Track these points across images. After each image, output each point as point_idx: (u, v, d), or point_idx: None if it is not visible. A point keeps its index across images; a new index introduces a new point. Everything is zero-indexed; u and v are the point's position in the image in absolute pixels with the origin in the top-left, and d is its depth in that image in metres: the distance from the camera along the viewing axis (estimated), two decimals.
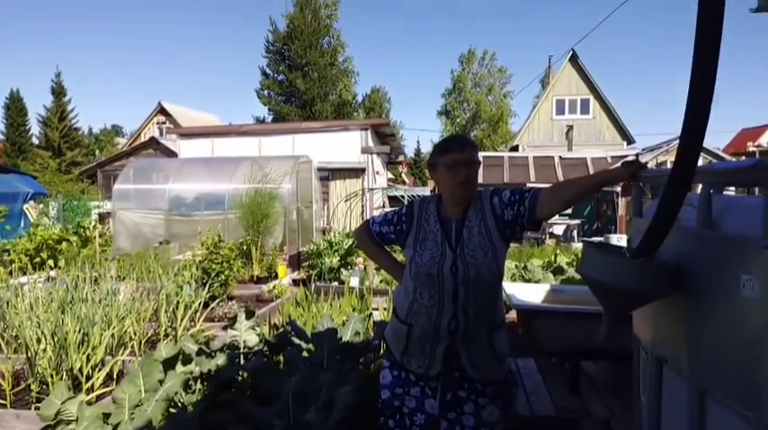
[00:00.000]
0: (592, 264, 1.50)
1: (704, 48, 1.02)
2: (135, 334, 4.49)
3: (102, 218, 14.28)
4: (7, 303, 4.61)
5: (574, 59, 24.84)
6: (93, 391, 3.66)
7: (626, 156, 17.63)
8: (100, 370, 3.83)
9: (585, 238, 13.98)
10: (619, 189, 13.77)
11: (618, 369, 4.29)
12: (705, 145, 10.83)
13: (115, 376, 3.99)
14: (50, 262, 8.50)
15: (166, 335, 4.86)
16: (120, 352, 4.19)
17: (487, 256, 1.96)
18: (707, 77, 1.03)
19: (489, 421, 2.01)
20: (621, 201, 14.03)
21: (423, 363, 2.05)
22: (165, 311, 4.97)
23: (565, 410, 3.54)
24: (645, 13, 72.66)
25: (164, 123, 30.23)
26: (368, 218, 2.78)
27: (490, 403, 2.03)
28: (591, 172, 16.31)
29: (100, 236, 9.89)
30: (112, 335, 4.17)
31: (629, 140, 24.59)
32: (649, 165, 12.52)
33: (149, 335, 4.77)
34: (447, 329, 1.98)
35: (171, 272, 5.96)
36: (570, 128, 22.77)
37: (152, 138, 22.77)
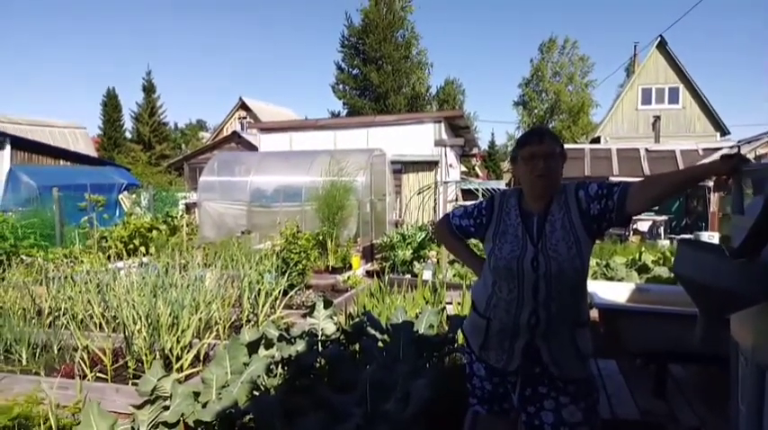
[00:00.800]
0: (687, 262, 1.42)
1: None
2: (220, 318, 4.73)
3: (189, 208, 15.10)
4: (107, 286, 5.00)
5: (662, 46, 23.39)
6: (182, 371, 3.90)
7: (720, 148, 16.45)
8: (188, 351, 4.07)
9: (673, 236, 13.20)
10: (711, 184, 12.86)
11: (708, 373, 4.03)
12: None
13: (202, 357, 4.22)
14: (142, 248, 9.11)
15: (248, 321, 5.08)
16: (207, 335, 4.43)
17: (571, 251, 1.91)
18: None
19: (570, 421, 1.95)
20: (714, 197, 13.11)
21: (501, 358, 2.03)
22: (248, 298, 5.19)
23: (650, 414, 3.38)
24: None
25: (244, 118, 31.48)
26: (447, 211, 2.78)
27: (572, 403, 1.98)
28: (680, 165, 15.37)
29: (187, 225, 10.48)
30: (200, 319, 4.41)
31: (724, 132, 22.88)
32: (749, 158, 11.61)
33: (233, 320, 5.01)
34: (527, 324, 1.94)
35: (252, 260, 6.22)
36: (657, 118, 21.49)
37: (234, 133, 23.77)
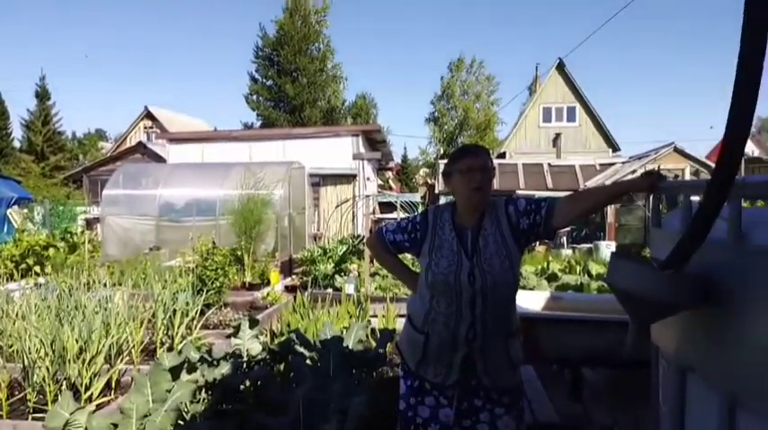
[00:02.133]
0: (620, 273, 1.52)
1: (747, 63, 1.04)
2: (132, 342, 4.43)
3: (90, 223, 14.09)
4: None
5: (561, 68, 25.12)
6: (91, 401, 3.61)
7: (613, 163, 17.87)
8: (98, 379, 3.78)
9: (575, 245, 14.10)
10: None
11: (618, 377, 4.32)
12: (691, 153, 10.97)
13: (113, 385, 3.93)
14: (37, 268, 8.38)
15: (162, 343, 4.80)
16: (119, 360, 4.13)
17: (504, 265, 1.98)
18: (748, 100, 1.05)
19: None
20: (611, 209, 14.19)
21: (440, 372, 2.05)
22: (162, 319, 4.91)
23: (568, 417, 3.56)
24: (633, 24, 73.93)
25: (151, 128, 29.96)
26: (367, 225, 2.79)
27: (506, 414, 2.04)
28: (580, 179, 16.50)
29: (88, 241, 9.76)
30: (111, 343, 4.11)
31: (615, 148, 24.88)
32: (639, 173, 12.69)
33: (145, 343, 4.71)
34: (465, 338, 1.98)
35: (164, 278, 5.90)
36: (558, 135, 23.02)
37: (139, 143, 22.56)
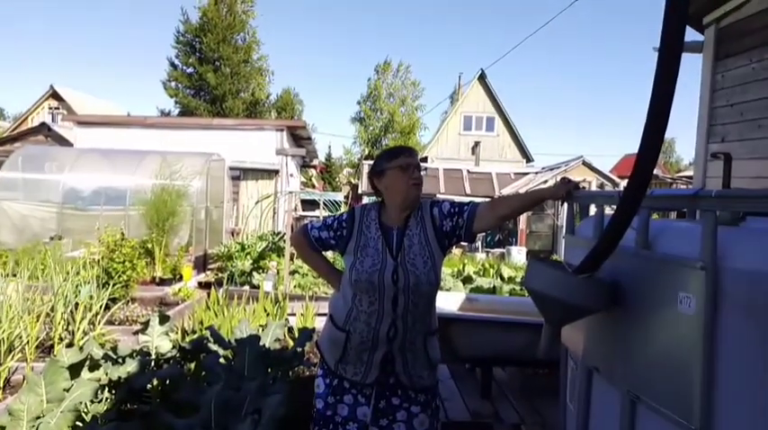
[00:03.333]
0: (537, 277, 1.59)
1: (661, 85, 1.12)
2: (26, 337, 4.08)
3: None
4: None
5: (482, 78, 26.02)
6: None
7: (527, 173, 18.76)
8: None
9: (489, 249, 14.66)
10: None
11: (524, 375, 4.53)
12: (598, 167, 11.72)
13: (1, 384, 3.61)
14: None
15: (62, 340, 4.46)
16: (9, 357, 3.79)
17: (427, 265, 2.01)
18: (660, 121, 1.14)
19: None
20: (523, 216, 14.87)
21: (359, 370, 2.05)
22: (62, 313, 4.56)
23: (478, 415, 3.69)
24: (552, 42, 78.05)
25: (56, 108, 27.77)
26: (287, 221, 2.75)
27: (422, 412, 2.08)
28: (496, 186, 17.17)
29: None
30: (1, 339, 3.76)
31: (529, 159, 26.13)
32: (550, 183, 13.40)
33: (41, 338, 4.35)
34: (386, 336, 2.00)
35: (66, 270, 5.48)
36: (477, 143, 23.86)
37: (43, 124, 20.78)
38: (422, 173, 2.11)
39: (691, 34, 4.73)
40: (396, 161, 2.05)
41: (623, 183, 15.42)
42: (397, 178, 2.04)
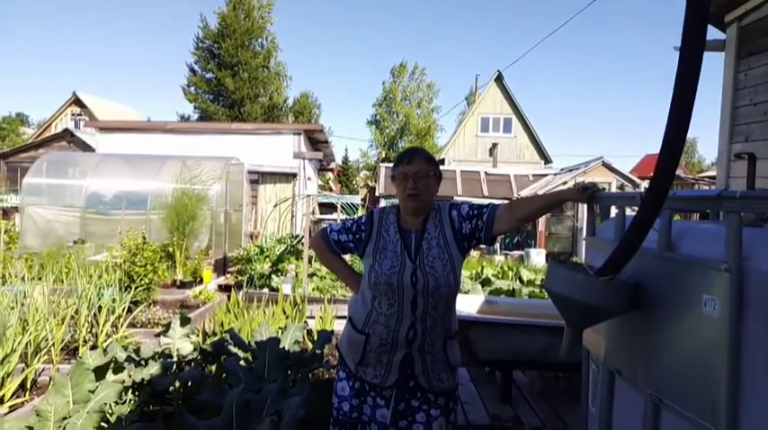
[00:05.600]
0: (558, 280, 1.58)
1: (683, 84, 1.11)
2: (52, 340, 4.16)
3: (7, 213, 13.14)
4: None
5: (499, 80, 25.86)
6: (2, 403, 3.36)
7: (546, 174, 18.60)
8: (11, 379, 3.52)
9: (507, 251, 14.56)
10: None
11: (544, 378, 4.49)
12: (618, 168, 11.58)
13: (28, 385, 3.69)
14: None
15: (86, 342, 4.55)
16: (36, 359, 3.87)
17: (446, 268, 2.01)
18: (683, 119, 1.13)
19: None
20: (542, 218, 14.74)
21: (379, 373, 2.06)
22: (86, 316, 4.65)
23: (498, 419, 3.66)
24: (571, 41, 77.47)
25: (79, 115, 28.31)
26: (307, 224, 2.77)
27: (441, 415, 2.08)
28: (514, 187, 17.05)
29: (4, 232, 9.10)
30: (28, 341, 3.84)
31: (547, 160, 25.88)
32: (569, 185, 13.29)
33: (67, 341, 4.44)
34: (405, 338, 2.01)
35: (89, 273, 5.58)
36: (495, 145, 23.73)
37: (66, 130, 21.16)
38: (433, 174, 2.07)
39: (712, 33, 4.67)
40: (396, 169, 2.08)
41: (644, 184, 15.22)
42: (397, 187, 2.08)
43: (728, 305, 1.23)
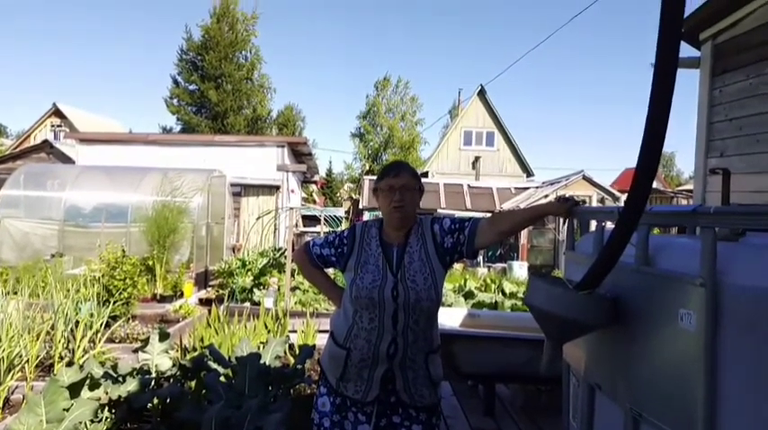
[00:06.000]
0: (538, 294, 1.59)
1: (657, 100, 1.13)
2: (26, 356, 4.06)
3: None
4: None
5: (482, 94, 26.16)
6: None
7: (528, 187, 18.78)
8: None
9: (490, 264, 14.62)
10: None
11: (529, 392, 4.50)
12: (598, 181, 11.73)
13: (0, 404, 3.59)
14: None
15: (62, 358, 4.44)
16: (9, 376, 3.77)
17: (427, 282, 2.01)
18: (658, 135, 1.15)
19: None
20: (524, 231, 14.85)
21: (360, 388, 2.04)
22: (62, 331, 4.55)
23: None
24: (551, 57, 78.82)
25: (59, 126, 27.94)
26: (288, 237, 2.75)
27: None
28: (496, 201, 17.17)
29: None
30: (1, 358, 3.74)
31: (529, 173, 26.15)
32: (550, 198, 13.43)
33: (41, 357, 4.34)
34: (386, 353, 1.99)
35: (67, 287, 5.47)
36: (477, 158, 23.93)
37: (45, 142, 20.82)
38: (417, 189, 2.09)
39: (688, 50, 4.78)
40: (381, 182, 2.07)
41: (624, 197, 15.43)
42: (382, 200, 2.07)
43: (704, 319, 1.25)
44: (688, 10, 4.08)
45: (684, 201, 16.70)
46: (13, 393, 3.77)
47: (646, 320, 1.39)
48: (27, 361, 4.05)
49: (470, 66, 71.61)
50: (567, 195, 1.91)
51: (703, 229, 1.26)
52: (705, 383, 1.24)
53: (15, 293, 5.34)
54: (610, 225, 1.65)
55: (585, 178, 16.03)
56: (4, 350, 3.79)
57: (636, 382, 1.42)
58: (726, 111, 4.30)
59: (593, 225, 1.93)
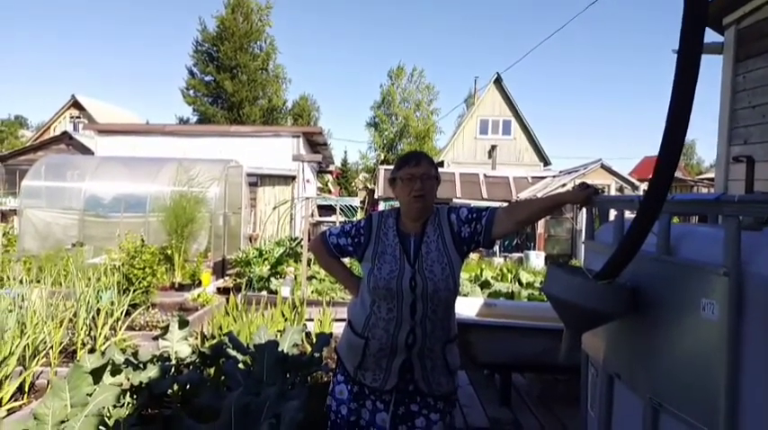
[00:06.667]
0: (557, 283, 1.58)
1: (681, 87, 1.11)
2: (50, 342, 4.16)
3: (5, 215, 13.13)
4: None
5: (498, 82, 25.88)
6: (0, 405, 3.35)
7: (544, 176, 18.61)
8: (9, 382, 3.51)
9: (506, 254, 14.56)
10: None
11: (542, 381, 4.49)
12: (617, 170, 11.58)
13: (27, 388, 3.67)
14: None
15: (84, 345, 4.54)
16: (34, 362, 3.86)
17: (445, 272, 2.01)
18: (681, 123, 1.13)
19: None
20: (541, 220, 14.74)
21: (378, 377, 2.05)
22: (84, 319, 4.64)
23: (498, 422, 3.66)
24: (568, 45, 77.70)
25: (78, 118, 28.31)
26: (305, 227, 2.77)
27: (441, 420, 2.07)
28: (513, 190, 17.05)
29: (2, 235, 9.10)
30: (26, 344, 3.83)
31: (546, 162, 25.89)
32: (568, 187, 13.29)
33: (64, 343, 4.43)
34: (405, 343, 2.00)
35: (88, 276, 5.57)
36: (494, 147, 23.75)
37: (65, 133, 21.17)
38: (436, 178, 2.08)
39: (711, 35, 4.67)
40: (400, 171, 2.06)
41: (643, 186, 15.22)
42: (401, 189, 2.05)
43: (727, 309, 1.23)
44: None
45: (705, 190, 16.43)
46: (38, 378, 3.86)
47: (667, 310, 1.37)
48: (51, 347, 4.14)
49: (487, 54, 70.88)
50: (588, 183, 1.87)
51: (727, 218, 1.24)
52: (727, 374, 1.23)
53: (38, 282, 5.45)
54: (629, 214, 1.63)
55: (604, 167, 15.83)
56: (28, 337, 3.88)
57: (656, 372, 1.41)
58: (749, 98, 4.20)
59: (613, 214, 1.91)
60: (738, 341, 1.23)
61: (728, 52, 4.45)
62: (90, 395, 2.63)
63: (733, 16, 4.35)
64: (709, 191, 15.42)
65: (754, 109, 4.15)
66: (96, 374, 2.84)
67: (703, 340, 1.28)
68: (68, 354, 4.41)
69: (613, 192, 14.80)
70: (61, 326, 4.33)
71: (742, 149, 4.16)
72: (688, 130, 1.15)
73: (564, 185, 14.82)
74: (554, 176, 18.12)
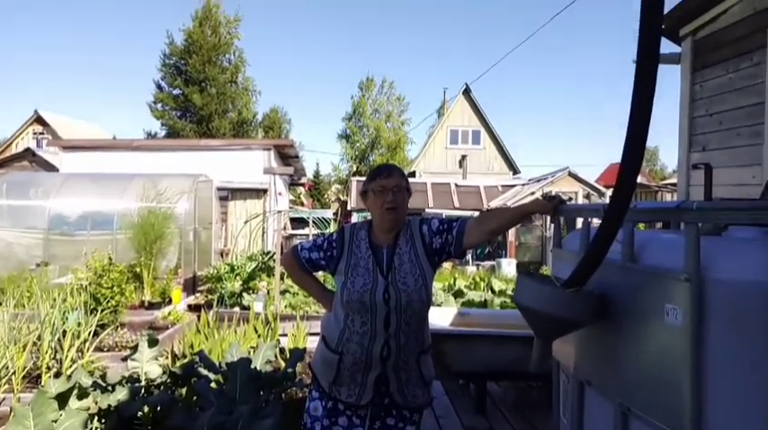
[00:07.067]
0: (526, 293, 1.61)
1: (639, 97, 1.15)
2: (13, 367, 4.01)
3: None
4: None
5: (467, 93, 26.27)
6: None
7: (514, 185, 18.90)
8: None
9: (479, 262, 14.68)
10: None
11: (517, 388, 4.53)
12: (583, 177, 11.82)
13: None
14: None
15: (49, 369, 4.39)
16: None
17: (418, 283, 2.02)
18: (640, 132, 1.16)
19: None
20: (512, 228, 14.92)
21: (353, 392, 2.04)
22: (49, 341, 4.49)
23: None
24: (534, 57, 79.37)
25: (41, 134, 27.62)
26: (277, 240, 2.75)
27: None
28: (484, 199, 17.25)
29: None
30: None
31: (515, 171, 26.31)
32: (536, 195, 13.51)
33: (27, 368, 4.28)
34: (380, 356, 2.00)
35: (53, 297, 5.41)
36: (464, 157, 24.04)
37: (27, 150, 20.59)
38: (408, 190, 2.10)
39: (669, 46, 4.84)
40: (372, 184, 2.07)
41: (609, 193, 15.56)
42: (373, 201, 2.06)
43: (690, 314, 1.27)
44: (668, 6, 4.14)
45: (669, 195, 16.89)
46: (0, 405, 3.72)
47: (633, 316, 1.41)
48: (14, 372, 4.00)
49: (457, 65, 71.80)
50: (552, 193, 1.92)
51: (687, 225, 1.28)
52: (692, 377, 1.26)
53: (0, 304, 5.26)
54: (596, 221, 1.67)
55: (571, 174, 16.17)
56: None
57: (625, 378, 1.44)
58: (706, 106, 4.36)
59: (580, 222, 1.95)
60: (701, 345, 1.27)
61: (686, 62, 4.61)
62: (56, 421, 2.54)
63: (689, 27, 4.51)
64: (673, 196, 15.86)
65: (711, 116, 4.30)
66: (62, 399, 2.74)
67: (668, 345, 1.32)
68: (32, 379, 4.26)
69: (581, 199, 15.10)
70: (24, 349, 4.19)
71: (701, 156, 4.30)
72: (649, 137, 1.18)
73: (533, 193, 15.06)
74: (523, 185, 18.42)
